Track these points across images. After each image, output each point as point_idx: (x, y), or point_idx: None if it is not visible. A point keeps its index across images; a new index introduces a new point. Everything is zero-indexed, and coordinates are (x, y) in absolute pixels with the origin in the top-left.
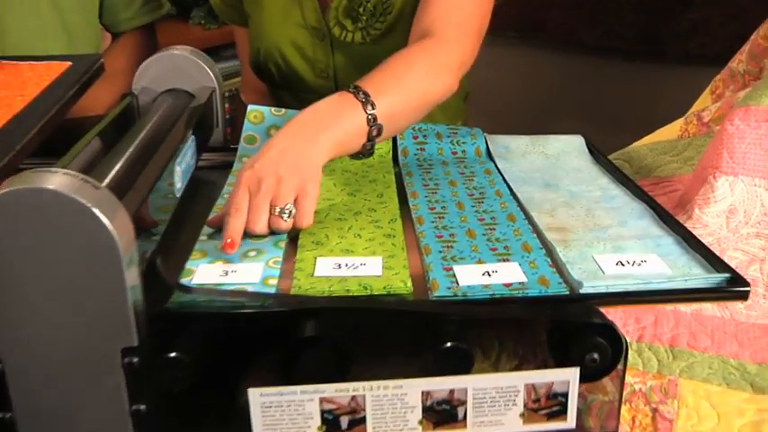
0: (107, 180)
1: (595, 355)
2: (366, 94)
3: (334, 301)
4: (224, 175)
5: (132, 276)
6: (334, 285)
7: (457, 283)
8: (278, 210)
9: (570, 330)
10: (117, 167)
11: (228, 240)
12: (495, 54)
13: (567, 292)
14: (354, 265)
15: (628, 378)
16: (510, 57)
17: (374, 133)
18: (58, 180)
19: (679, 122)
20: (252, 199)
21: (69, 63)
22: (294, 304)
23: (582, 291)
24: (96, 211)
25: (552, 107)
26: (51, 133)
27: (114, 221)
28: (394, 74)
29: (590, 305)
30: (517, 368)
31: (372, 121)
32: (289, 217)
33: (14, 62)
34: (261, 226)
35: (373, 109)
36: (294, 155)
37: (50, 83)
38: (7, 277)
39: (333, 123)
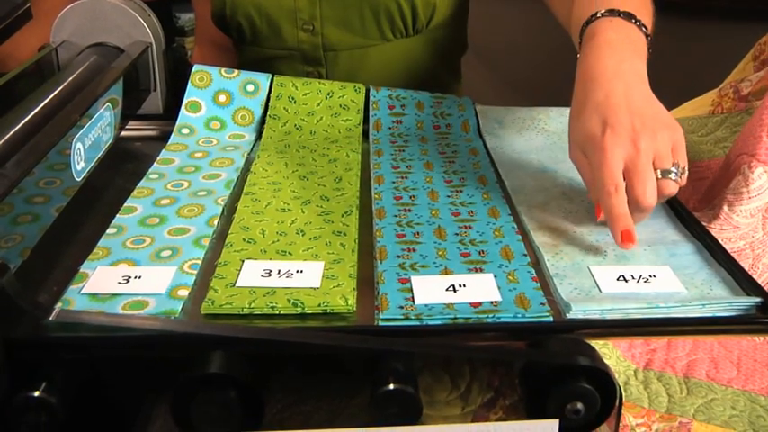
0: None
1: (579, 406)
2: (632, 16)
3: (236, 330)
4: (158, 149)
5: None
6: (258, 300)
7: (413, 300)
8: (662, 172)
9: (548, 372)
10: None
11: (624, 230)
12: (504, 4)
13: (551, 319)
14: (289, 272)
15: (629, 419)
16: (524, 8)
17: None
18: None
19: (711, 95)
20: (633, 165)
21: None
22: (190, 332)
23: (569, 315)
24: None
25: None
26: None
27: None
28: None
29: (577, 337)
30: (492, 402)
31: (651, 42)
32: (679, 175)
33: None
34: (652, 196)
35: (647, 30)
36: (640, 98)
37: None
38: None
39: (636, 52)
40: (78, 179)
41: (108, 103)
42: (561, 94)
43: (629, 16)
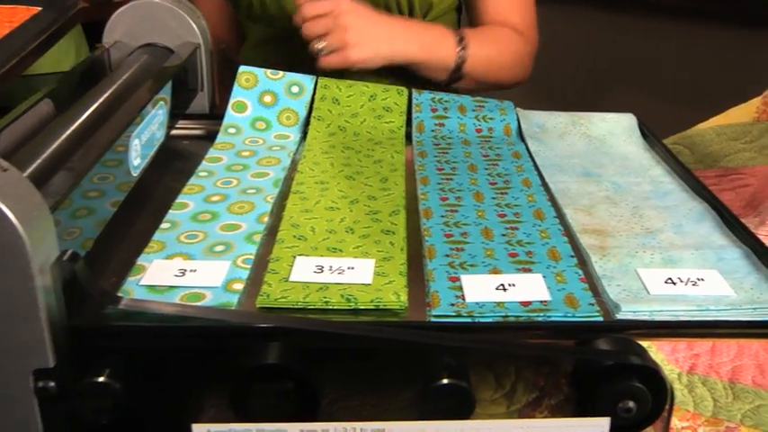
0: (35, 158)
1: (631, 404)
2: (463, 37)
3: (297, 322)
4: (204, 148)
5: (46, 281)
6: (312, 295)
7: (463, 298)
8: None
9: (600, 370)
10: (56, 142)
11: None
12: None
13: (601, 318)
14: (340, 269)
15: (675, 422)
16: (557, 16)
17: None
18: None
19: (756, 102)
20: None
21: (38, 9)
22: (251, 323)
23: (619, 316)
24: None
25: (604, 76)
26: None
27: (23, 213)
28: (489, 37)
29: (628, 337)
30: (537, 401)
31: (460, 61)
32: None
33: None
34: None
35: (464, 51)
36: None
37: (10, 31)
38: None
39: (423, 37)
40: (134, 175)
41: (161, 102)
42: (585, 95)
43: (461, 40)
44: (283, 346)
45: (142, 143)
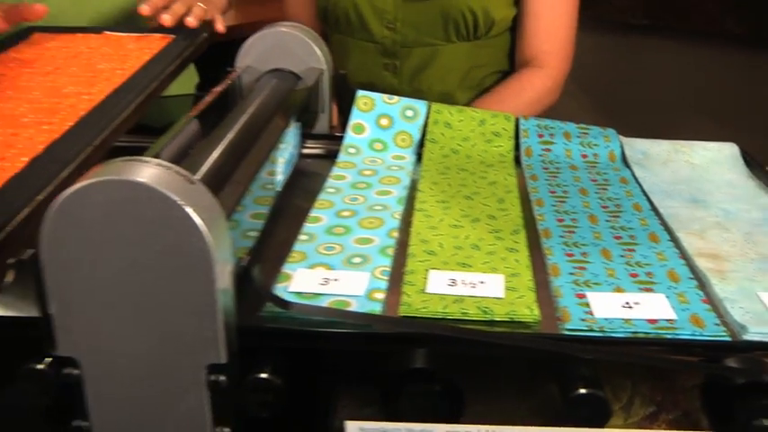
0: (202, 171)
1: (766, 422)
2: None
3: (456, 331)
4: (327, 166)
5: (224, 284)
6: (449, 306)
7: (592, 314)
8: None
9: (734, 388)
10: (214, 157)
11: None
12: (618, 43)
13: (729, 338)
14: (472, 283)
15: None
16: (637, 46)
17: None
18: (149, 172)
19: None
20: None
21: (172, 36)
22: (407, 330)
23: (746, 337)
24: (189, 210)
25: (685, 107)
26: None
27: (208, 221)
28: (501, 99)
29: (758, 357)
30: (654, 416)
31: None
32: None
33: (118, 33)
34: None
35: None
36: None
37: (151, 57)
38: (85, 275)
39: None
40: (278, 190)
41: (295, 123)
42: (648, 116)
43: None
44: (433, 352)
45: (286, 160)
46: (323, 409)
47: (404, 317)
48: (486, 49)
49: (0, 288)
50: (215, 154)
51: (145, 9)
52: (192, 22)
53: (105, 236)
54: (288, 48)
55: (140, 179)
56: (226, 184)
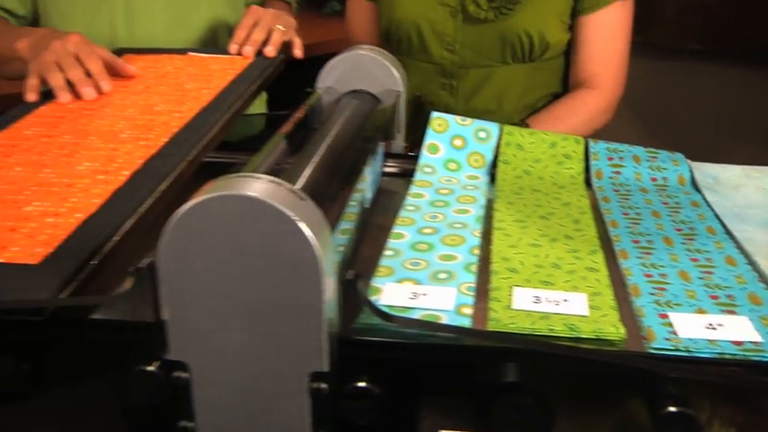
0: (302, 187)
1: None
2: (526, 125)
3: (550, 347)
4: (406, 185)
5: (330, 295)
6: (537, 322)
7: (676, 334)
8: None
9: None
10: (307, 174)
11: None
12: (671, 68)
13: None
14: (556, 301)
15: None
16: (690, 71)
17: None
18: (263, 188)
19: None
20: None
21: (252, 58)
22: (503, 344)
23: None
24: (302, 225)
25: (738, 131)
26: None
27: (318, 236)
28: (555, 116)
29: None
30: None
31: None
32: None
33: (201, 54)
34: None
35: None
36: None
37: (234, 77)
38: (200, 284)
39: None
40: (366, 206)
41: (380, 143)
42: (696, 140)
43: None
44: (524, 367)
45: (373, 179)
46: (409, 418)
47: (496, 332)
48: (541, 71)
49: (114, 294)
50: (308, 171)
51: (234, 48)
52: (270, 51)
53: (220, 248)
54: (367, 70)
55: (256, 195)
56: (325, 200)
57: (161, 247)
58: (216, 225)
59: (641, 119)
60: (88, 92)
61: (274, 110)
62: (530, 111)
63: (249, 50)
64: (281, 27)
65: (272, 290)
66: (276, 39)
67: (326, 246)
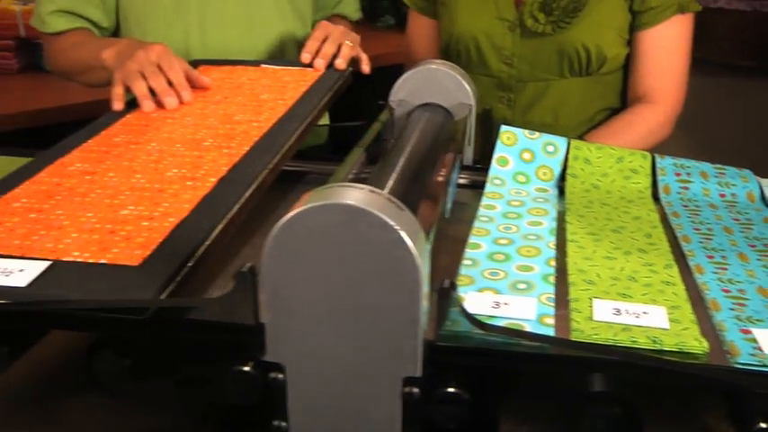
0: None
1: None
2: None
3: (643, 358)
4: (475, 196)
5: (425, 303)
6: (619, 334)
7: (760, 349)
8: None
9: None
10: (390, 185)
11: None
12: (724, 84)
13: None
14: (636, 313)
15: None
16: (743, 88)
17: None
18: (365, 198)
19: None
20: None
21: (323, 70)
22: (599, 355)
23: None
24: (403, 234)
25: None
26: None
27: (417, 245)
28: (614, 131)
29: None
30: None
31: None
32: None
33: (274, 66)
34: None
35: None
36: None
37: (307, 89)
38: (300, 290)
39: None
40: (447, 216)
41: (457, 155)
42: (750, 156)
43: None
44: (613, 376)
45: (452, 190)
46: (490, 424)
47: (591, 343)
48: (598, 85)
49: (221, 296)
50: (391, 182)
51: (306, 57)
52: (341, 64)
53: (321, 255)
54: (440, 83)
55: (360, 204)
56: (416, 210)
57: (265, 252)
58: (319, 233)
59: (694, 135)
60: (171, 101)
61: (334, 120)
62: (586, 125)
63: (321, 63)
64: (349, 42)
65: (370, 296)
66: (346, 53)
67: (423, 254)
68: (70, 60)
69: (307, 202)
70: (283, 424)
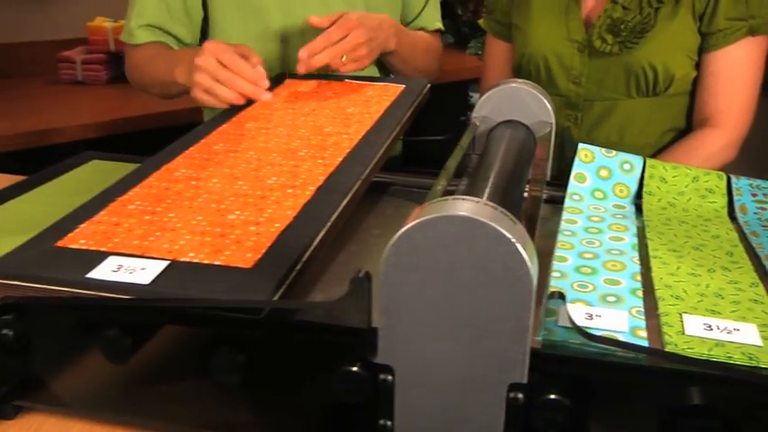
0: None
1: None
2: None
3: (750, 375)
4: (554, 211)
5: (535, 311)
6: (713, 349)
7: None
8: None
9: None
10: (484, 199)
11: None
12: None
13: None
14: (728, 330)
15: None
16: None
17: None
18: (482, 211)
19: None
20: None
21: (403, 86)
22: (700, 369)
23: None
24: (519, 246)
25: None
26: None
27: (530, 258)
28: (673, 159)
29: None
30: None
31: None
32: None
33: (357, 81)
34: None
35: None
36: None
37: (391, 103)
38: (415, 296)
39: None
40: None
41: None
42: None
43: None
44: (711, 390)
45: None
46: None
47: (693, 357)
48: (665, 107)
49: (337, 299)
50: (485, 197)
51: (303, 55)
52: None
53: (438, 264)
54: (522, 101)
55: (477, 217)
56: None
57: (383, 260)
58: (436, 243)
59: (758, 159)
60: (266, 95)
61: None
62: (653, 147)
63: (303, 68)
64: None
65: (483, 305)
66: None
67: (535, 266)
68: (146, 75)
69: (426, 214)
70: (389, 423)
